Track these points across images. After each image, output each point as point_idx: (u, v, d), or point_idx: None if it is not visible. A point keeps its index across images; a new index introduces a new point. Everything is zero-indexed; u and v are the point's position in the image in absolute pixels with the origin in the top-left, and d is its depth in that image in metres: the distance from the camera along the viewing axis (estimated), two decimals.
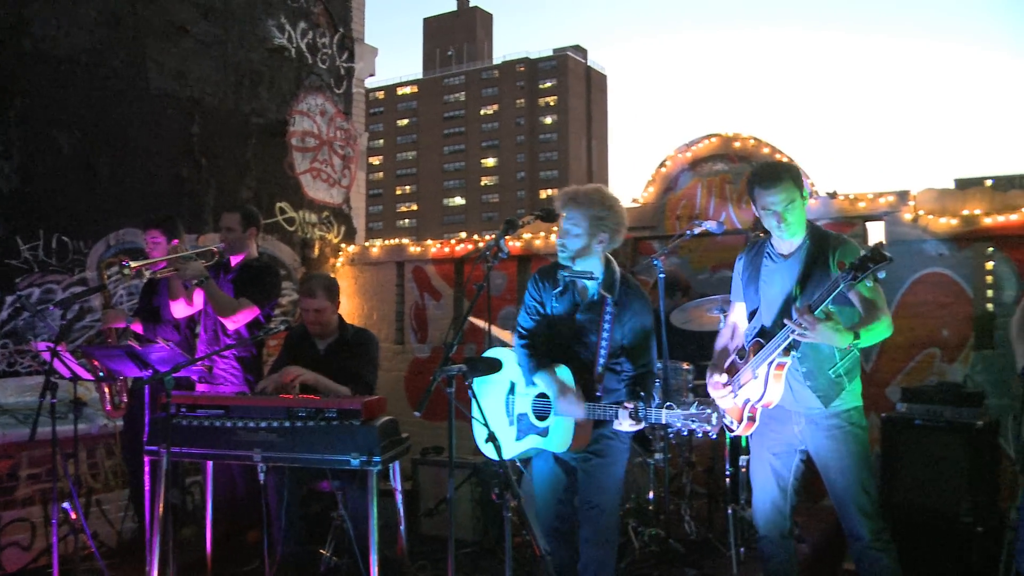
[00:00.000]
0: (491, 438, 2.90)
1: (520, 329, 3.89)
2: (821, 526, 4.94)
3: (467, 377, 3.13)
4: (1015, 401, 3.30)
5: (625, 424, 3.41)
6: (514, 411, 3.83)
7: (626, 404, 3.40)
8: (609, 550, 3.63)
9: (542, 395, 3.70)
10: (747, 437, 3.92)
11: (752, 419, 3.66)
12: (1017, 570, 3.08)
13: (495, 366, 3.51)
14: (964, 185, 6.39)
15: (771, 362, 3.48)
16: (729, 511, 4.71)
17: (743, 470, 5.02)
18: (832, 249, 3.50)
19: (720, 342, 3.95)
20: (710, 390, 3.83)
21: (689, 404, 3.43)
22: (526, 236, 7.45)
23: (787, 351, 3.44)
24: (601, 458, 3.65)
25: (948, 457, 4.54)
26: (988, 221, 5.58)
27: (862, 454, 3.52)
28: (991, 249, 5.62)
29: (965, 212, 5.69)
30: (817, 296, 3.25)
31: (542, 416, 3.70)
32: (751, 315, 3.72)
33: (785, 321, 3.33)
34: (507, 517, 2.91)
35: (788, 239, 3.59)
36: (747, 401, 3.65)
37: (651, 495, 5.11)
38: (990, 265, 5.63)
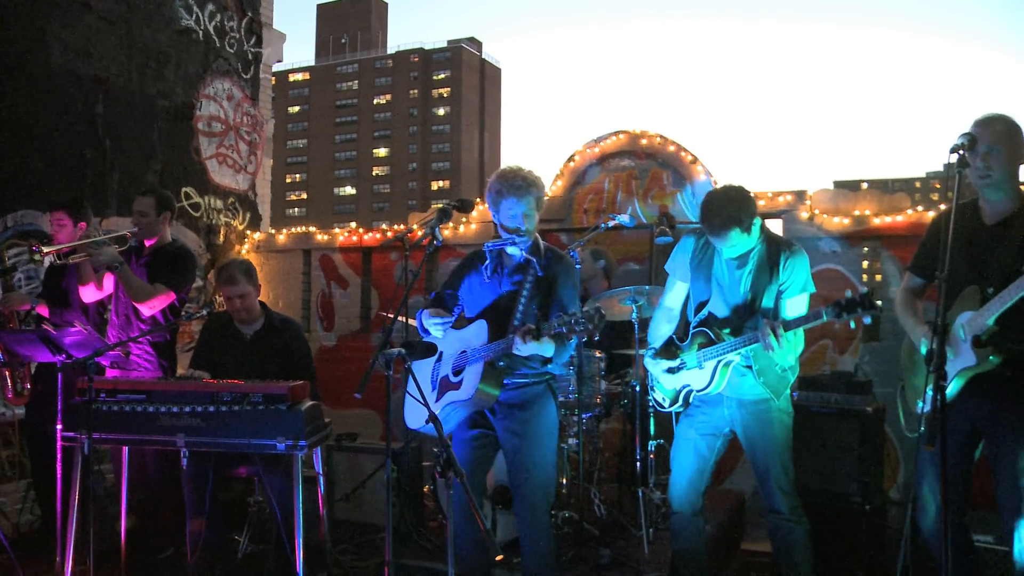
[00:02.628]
0: (432, 419, 2.96)
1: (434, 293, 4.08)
2: (723, 507, 5.18)
3: (406, 360, 3.19)
4: (907, 374, 3.59)
5: (521, 346, 3.45)
6: (438, 376, 3.89)
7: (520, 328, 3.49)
8: (545, 515, 3.76)
9: (463, 351, 3.76)
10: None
11: (686, 401, 3.90)
12: (917, 527, 3.37)
13: (432, 350, 3.58)
14: (842, 187, 6.81)
15: (720, 359, 3.69)
16: (640, 493, 4.92)
17: (651, 455, 5.25)
18: (783, 256, 3.67)
19: (658, 325, 4.09)
20: (651, 369, 4.02)
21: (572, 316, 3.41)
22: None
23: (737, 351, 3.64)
24: (531, 434, 3.74)
25: (840, 441, 4.84)
26: (877, 221, 5.97)
27: (785, 437, 3.77)
28: (879, 248, 6.02)
29: (856, 212, 6.07)
30: (794, 320, 3.44)
31: (459, 371, 3.76)
32: (699, 305, 3.88)
33: (759, 335, 3.48)
34: (450, 495, 2.98)
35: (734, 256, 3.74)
36: (686, 386, 3.87)
37: (564, 480, 5.26)
38: (878, 263, 6.02)
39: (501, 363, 3.66)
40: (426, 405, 2.99)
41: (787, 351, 3.49)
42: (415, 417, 3.83)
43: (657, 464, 5.33)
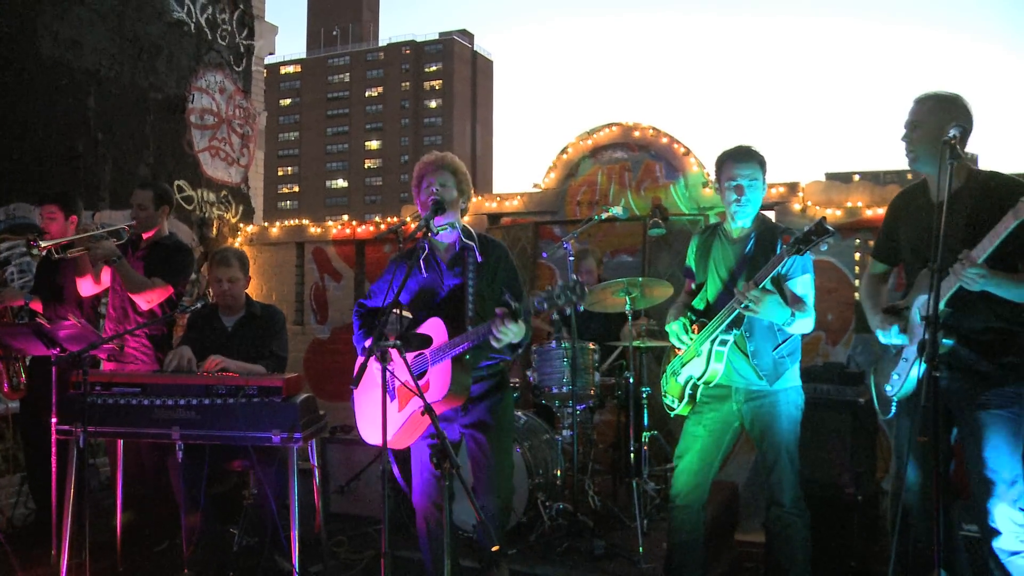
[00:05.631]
0: (427, 411, 2.97)
1: (358, 307, 3.92)
2: (717, 498, 5.19)
3: (402, 352, 3.18)
4: (878, 359, 3.61)
5: (505, 328, 3.31)
6: (394, 386, 3.58)
7: (497, 312, 3.32)
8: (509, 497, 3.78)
9: (418, 354, 3.61)
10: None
11: (693, 397, 3.87)
12: (907, 516, 3.39)
13: (427, 342, 3.56)
14: (833, 179, 6.85)
15: (713, 339, 3.69)
16: (634, 484, 4.94)
17: (645, 447, 5.28)
18: (780, 237, 3.71)
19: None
20: (671, 327, 3.97)
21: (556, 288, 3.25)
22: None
23: (729, 328, 3.65)
24: (497, 427, 3.70)
25: (834, 432, 4.85)
26: (869, 213, 5.99)
27: (793, 431, 3.77)
28: (871, 239, 6.03)
29: (848, 204, 6.10)
30: (762, 271, 3.49)
31: (420, 374, 3.60)
32: (698, 288, 3.92)
33: (734, 301, 3.53)
34: (445, 486, 2.99)
35: (740, 221, 3.78)
36: (690, 378, 3.85)
37: (558, 471, 5.28)
38: (870, 255, 6.03)
39: (467, 357, 3.56)
40: (420, 395, 2.98)
41: (771, 308, 3.51)
42: (373, 432, 3.65)
43: (651, 455, 5.37)
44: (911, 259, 3.48)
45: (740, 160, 3.74)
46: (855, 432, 4.84)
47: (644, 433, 5.27)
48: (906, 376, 3.30)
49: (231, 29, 7.87)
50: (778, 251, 3.64)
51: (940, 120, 3.22)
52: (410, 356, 3.60)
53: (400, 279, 3.62)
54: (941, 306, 3.04)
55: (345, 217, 8.32)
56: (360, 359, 3.49)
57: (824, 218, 3.34)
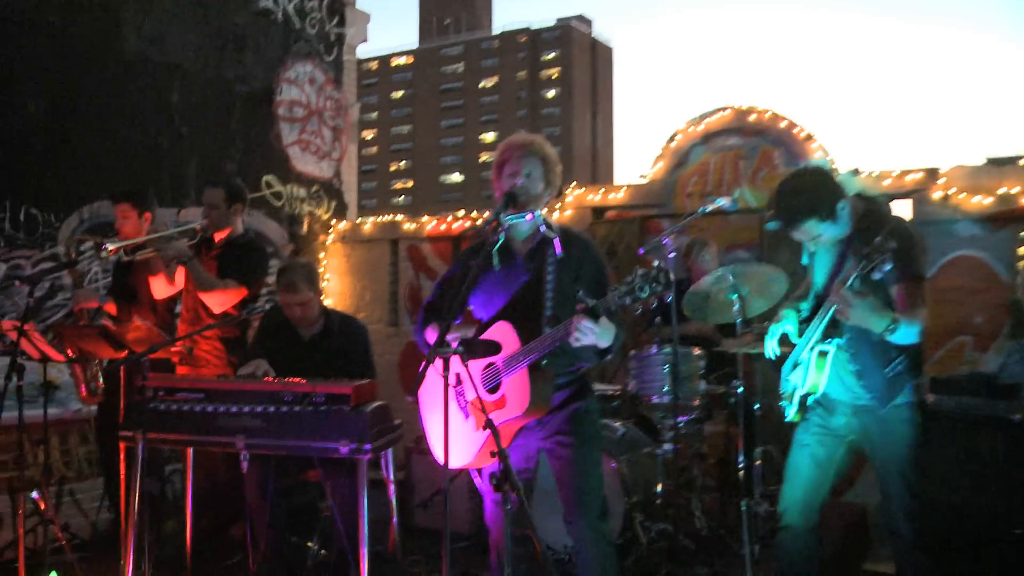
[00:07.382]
0: (489, 425, 2.61)
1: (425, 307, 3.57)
2: (842, 523, 4.66)
3: (465, 359, 2.82)
4: None
5: (584, 330, 2.93)
6: (467, 402, 3.31)
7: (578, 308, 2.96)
8: (605, 524, 3.30)
9: (488, 365, 3.24)
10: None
11: (803, 404, 3.53)
12: None
13: (494, 349, 3.18)
14: (996, 163, 6.11)
15: (812, 348, 3.37)
16: (743, 506, 4.44)
17: (757, 463, 4.77)
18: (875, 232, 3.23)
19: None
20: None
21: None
22: None
23: (825, 337, 3.31)
24: (579, 438, 3.26)
25: (982, 454, 4.26)
26: None
27: (908, 451, 3.37)
28: None
29: (1001, 191, 5.38)
30: (848, 269, 3.14)
31: (494, 388, 3.23)
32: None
33: (828, 300, 3.23)
34: (507, 511, 2.66)
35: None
36: (795, 387, 3.53)
37: (659, 488, 4.83)
38: None
39: (544, 363, 3.15)
40: (483, 411, 2.62)
41: (864, 313, 3.09)
42: (458, 453, 3.22)
43: (764, 472, 4.85)
44: None
45: (789, 229, 3.36)
46: (1010, 454, 4.21)
47: (756, 448, 4.74)
48: None
49: (321, 17, 7.65)
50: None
51: None
52: (479, 366, 3.24)
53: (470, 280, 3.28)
54: None
55: (461, 212, 8.03)
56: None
57: (886, 236, 2.96)
